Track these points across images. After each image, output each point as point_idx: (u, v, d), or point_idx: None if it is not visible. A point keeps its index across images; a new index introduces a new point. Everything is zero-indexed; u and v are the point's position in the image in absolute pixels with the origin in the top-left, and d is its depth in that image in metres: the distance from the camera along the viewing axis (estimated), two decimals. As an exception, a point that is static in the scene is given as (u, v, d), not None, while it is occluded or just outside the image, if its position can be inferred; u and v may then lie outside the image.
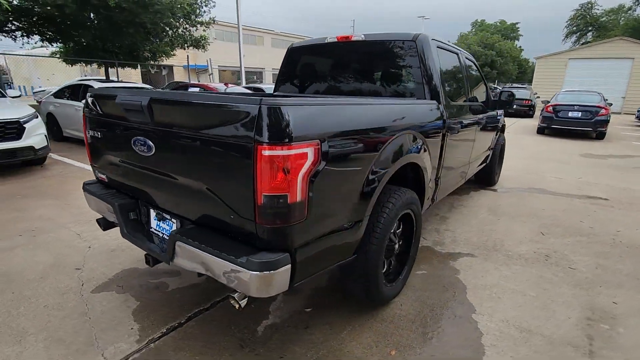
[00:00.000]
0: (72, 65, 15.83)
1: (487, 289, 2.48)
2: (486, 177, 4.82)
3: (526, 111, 16.24)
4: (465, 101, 3.33)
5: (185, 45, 12.17)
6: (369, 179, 1.77)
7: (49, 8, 8.38)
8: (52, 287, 2.40)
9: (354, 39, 2.98)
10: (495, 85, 31.77)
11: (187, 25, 11.53)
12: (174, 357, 1.81)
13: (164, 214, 1.89)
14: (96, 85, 7.70)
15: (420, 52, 2.64)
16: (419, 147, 2.27)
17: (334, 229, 1.65)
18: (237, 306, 1.53)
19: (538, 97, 18.29)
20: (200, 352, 1.85)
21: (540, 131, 10.96)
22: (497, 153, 4.72)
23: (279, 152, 1.32)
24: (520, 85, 24.39)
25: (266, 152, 1.31)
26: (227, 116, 1.40)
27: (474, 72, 3.81)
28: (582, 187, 5.06)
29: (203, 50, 12.83)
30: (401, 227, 2.34)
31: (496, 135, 4.54)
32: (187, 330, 2.01)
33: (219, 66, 33.32)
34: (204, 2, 11.42)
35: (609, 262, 2.90)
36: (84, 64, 16.60)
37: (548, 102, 11.16)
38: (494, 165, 4.73)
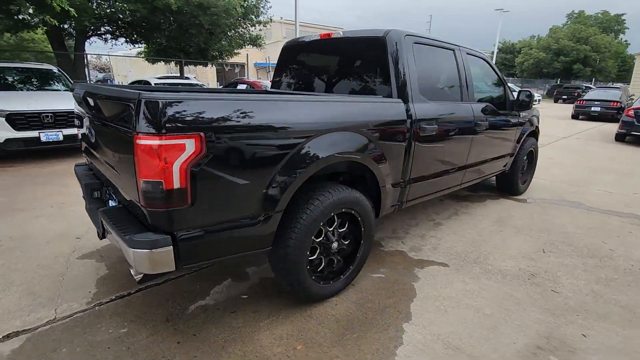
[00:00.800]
0: (153, 64, 17.86)
1: (438, 300, 2.33)
2: (507, 185, 4.41)
3: (613, 115, 14.16)
4: (462, 101, 3.11)
5: (245, 44, 12.94)
6: (276, 176, 1.80)
7: (128, 13, 9.59)
8: (51, 251, 2.85)
9: (333, 36, 2.98)
10: (590, 85, 27.96)
11: (247, 25, 12.26)
12: (107, 321, 2.05)
13: (111, 194, 2.14)
14: (153, 82, 8.62)
15: (388, 49, 2.55)
16: (364, 147, 2.22)
17: (232, 219, 1.73)
18: (136, 279, 1.70)
19: (632, 98, 15.77)
20: (131, 320, 2.07)
21: (620, 138, 9.50)
22: (522, 159, 4.27)
23: (154, 142, 1.44)
24: (610, 86, 21.24)
25: (141, 142, 1.44)
26: (119, 108, 1.57)
27: (480, 71, 3.52)
28: (632, 204, 4.34)
29: (260, 48, 13.51)
30: (346, 226, 2.31)
31: (519, 139, 4.11)
32: (132, 300, 2.25)
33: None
34: (260, 3, 12.02)
35: (607, 290, 2.50)
36: (164, 62, 18.59)
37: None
38: (517, 172, 4.29)
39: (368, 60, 2.74)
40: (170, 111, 1.46)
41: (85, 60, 11.93)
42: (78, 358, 1.77)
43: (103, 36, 12.39)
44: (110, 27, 12.06)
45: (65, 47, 11.73)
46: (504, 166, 4.11)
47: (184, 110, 1.50)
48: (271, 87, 3.64)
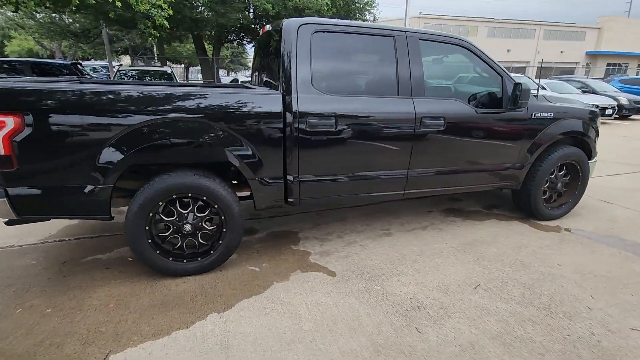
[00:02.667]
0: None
1: (274, 303, 2.20)
2: (524, 205, 3.49)
3: None
4: (400, 96, 2.70)
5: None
6: (104, 154, 2.09)
7: (241, 21, 11.20)
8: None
9: (266, 29, 3.02)
10: None
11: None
12: (33, 250, 2.75)
13: None
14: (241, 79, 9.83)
15: (282, 40, 2.48)
16: (216, 135, 2.27)
17: (60, 185, 2.11)
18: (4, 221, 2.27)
19: None
20: (37, 258, 2.71)
21: None
22: (545, 174, 3.29)
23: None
24: None
25: (-23, 117, 1.96)
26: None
27: (452, 60, 2.93)
28: None
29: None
30: (207, 211, 2.42)
31: (534, 147, 3.19)
32: (64, 243, 2.92)
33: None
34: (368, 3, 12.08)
35: (506, 337, 1.85)
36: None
37: None
38: (536, 190, 3.33)
39: (274, 53, 2.70)
40: (-4, 95, 1.93)
41: (216, 63, 14.40)
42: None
43: (233, 42, 14.71)
44: (229, 34, 14.20)
45: (206, 53, 14.39)
46: (507, 181, 3.27)
47: (6, 95, 1.95)
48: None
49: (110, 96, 2.08)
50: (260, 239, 3.09)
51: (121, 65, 21.56)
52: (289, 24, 2.49)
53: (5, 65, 9.84)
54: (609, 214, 3.76)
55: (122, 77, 8.81)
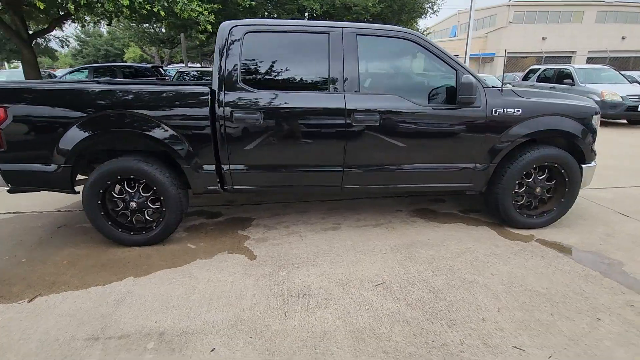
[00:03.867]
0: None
1: (186, 276, 2.49)
2: (493, 210, 3.20)
3: None
4: (330, 91, 2.75)
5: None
6: (64, 139, 2.62)
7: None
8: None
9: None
10: None
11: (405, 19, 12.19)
12: (46, 217, 3.49)
13: None
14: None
15: (217, 40, 2.74)
16: (155, 125, 2.64)
17: (35, 163, 2.69)
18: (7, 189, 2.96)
19: None
20: (44, 223, 3.42)
21: None
22: (516, 176, 2.98)
23: None
24: None
25: (-21, 110, 2.63)
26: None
27: (397, 55, 2.86)
28: None
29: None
30: (150, 192, 2.82)
31: (497, 148, 2.91)
32: (69, 213, 3.62)
33: (509, 53, 30.35)
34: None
35: (365, 333, 1.86)
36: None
37: None
38: (503, 195, 3.03)
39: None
40: (-11, 93, 2.57)
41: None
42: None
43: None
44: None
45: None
46: (465, 183, 3.04)
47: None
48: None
49: (67, 94, 2.60)
50: (217, 222, 3.41)
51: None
52: (223, 26, 2.74)
53: (102, 70, 11.87)
54: (613, 228, 3.21)
55: (182, 77, 9.99)
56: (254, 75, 2.74)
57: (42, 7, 6.42)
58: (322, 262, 2.67)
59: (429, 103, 2.84)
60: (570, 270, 2.55)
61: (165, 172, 2.77)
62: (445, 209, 3.67)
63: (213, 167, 2.81)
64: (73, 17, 7.16)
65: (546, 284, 2.38)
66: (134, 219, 2.89)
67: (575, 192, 3.12)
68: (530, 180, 3.09)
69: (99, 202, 2.77)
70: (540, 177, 3.09)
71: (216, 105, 2.67)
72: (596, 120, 3.08)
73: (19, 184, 2.81)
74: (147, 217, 2.89)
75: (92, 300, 2.22)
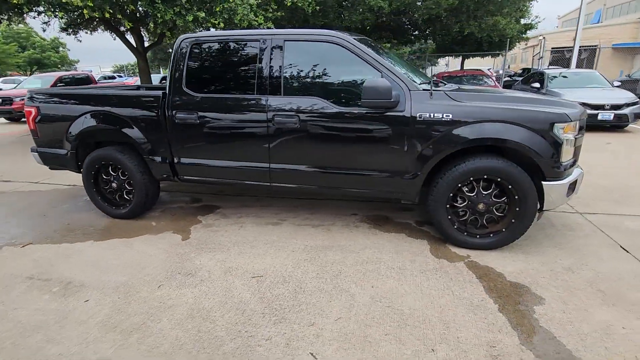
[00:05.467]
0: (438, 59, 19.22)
1: (126, 245, 3.07)
2: (432, 222, 2.93)
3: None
4: (258, 94, 2.97)
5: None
6: (70, 130, 3.48)
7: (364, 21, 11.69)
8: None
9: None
10: None
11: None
12: (69, 189, 4.57)
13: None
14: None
15: (174, 51, 3.24)
16: (118, 120, 3.30)
17: (56, 148, 3.64)
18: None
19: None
20: (64, 193, 4.47)
21: None
22: (447, 187, 2.71)
23: (28, 109, 3.64)
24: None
25: (25, 109, 3.69)
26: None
27: (325, 58, 2.89)
28: None
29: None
30: (126, 177, 3.52)
31: (425, 154, 2.69)
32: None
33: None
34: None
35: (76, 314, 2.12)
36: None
37: None
38: (436, 207, 2.78)
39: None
40: (29, 96, 3.60)
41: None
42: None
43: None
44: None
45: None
46: (394, 191, 2.88)
47: (34, 97, 3.59)
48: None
49: (71, 97, 3.47)
50: (192, 207, 3.95)
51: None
52: (178, 39, 3.21)
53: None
54: (587, 264, 2.61)
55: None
56: (195, 81, 3.15)
57: (154, 30, 8.01)
58: (233, 250, 2.94)
59: (350, 106, 2.80)
60: (466, 297, 2.25)
61: (133, 161, 3.41)
62: (403, 218, 3.47)
63: (165, 158, 3.33)
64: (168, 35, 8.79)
65: (420, 305, 2.18)
66: (116, 196, 3.63)
67: (528, 213, 2.64)
68: (473, 194, 2.74)
69: (92, 180, 3.58)
70: (486, 193, 2.72)
71: (165, 107, 3.17)
72: (560, 129, 2.54)
73: (50, 164, 3.82)
74: (125, 197, 3.60)
75: (54, 253, 2.97)
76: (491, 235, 2.79)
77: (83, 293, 2.40)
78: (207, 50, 3.15)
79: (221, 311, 2.18)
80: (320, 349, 1.86)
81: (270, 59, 2.95)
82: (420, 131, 2.68)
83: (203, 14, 7.24)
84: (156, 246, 3.05)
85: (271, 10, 8.64)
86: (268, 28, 8.63)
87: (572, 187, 2.75)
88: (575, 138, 2.65)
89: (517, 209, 2.66)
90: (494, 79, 8.98)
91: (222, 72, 3.15)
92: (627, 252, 2.76)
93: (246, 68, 3.06)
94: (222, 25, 7.42)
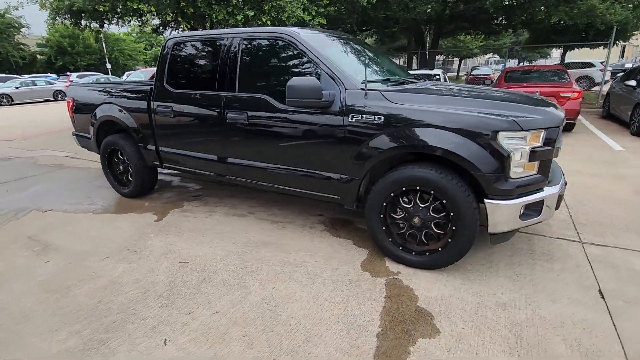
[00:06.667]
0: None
1: (112, 220, 3.56)
2: (371, 231, 2.75)
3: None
4: (218, 90, 3.12)
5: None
6: (92, 118, 4.14)
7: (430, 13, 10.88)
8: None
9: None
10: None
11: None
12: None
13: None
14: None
15: (161, 49, 3.59)
16: (120, 110, 3.79)
17: (85, 133, 4.34)
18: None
19: None
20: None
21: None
22: (382, 196, 2.50)
23: (68, 100, 4.42)
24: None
25: (66, 99, 4.47)
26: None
27: (278, 56, 2.90)
28: None
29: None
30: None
31: (361, 157, 2.52)
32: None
33: None
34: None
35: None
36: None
37: None
38: (370, 216, 2.59)
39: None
40: (70, 88, 4.36)
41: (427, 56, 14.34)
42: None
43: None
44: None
45: (425, 46, 14.79)
46: (333, 193, 2.76)
47: (72, 89, 4.34)
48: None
49: (93, 89, 4.09)
50: (190, 194, 4.32)
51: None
52: (167, 39, 3.53)
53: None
54: (531, 301, 2.16)
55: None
56: (173, 77, 3.43)
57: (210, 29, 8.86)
58: (185, 236, 3.17)
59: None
60: (355, 315, 2.09)
61: (132, 147, 3.89)
62: (364, 224, 3.28)
63: (153, 147, 3.72)
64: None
65: (301, 314, 2.11)
66: (124, 177, 4.19)
67: (465, 233, 2.29)
68: (410, 206, 2.48)
69: (106, 163, 4.20)
70: (423, 206, 2.43)
71: (151, 100, 3.55)
72: (508, 139, 2.12)
73: (84, 146, 4.58)
74: (129, 178, 4.13)
75: (59, 219, 3.60)
76: (427, 253, 2.49)
77: (50, 255, 2.89)
78: (184, 49, 3.41)
79: (130, 288, 2.42)
80: (176, 337, 1.96)
81: (229, 57, 3.07)
82: (352, 133, 2.52)
83: (252, 13, 7.65)
84: (132, 224, 3.46)
85: (322, 5, 8.68)
86: (319, 24, 8.71)
87: (535, 208, 2.29)
88: (536, 151, 2.19)
89: (454, 227, 2.33)
90: (570, 75, 7.50)
91: (193, 70, 3.39)
92: (602, 298, 2.20)
93: (211, 66, 3.24)
94: (269, 23, 7.74)
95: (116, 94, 3.88)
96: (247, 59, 3.01)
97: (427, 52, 14.57)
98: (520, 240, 2.93)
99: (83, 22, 8.38)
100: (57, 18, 8.28)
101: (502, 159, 2.15)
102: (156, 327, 2.05)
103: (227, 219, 3.51)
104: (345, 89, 2.55)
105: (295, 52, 2.81)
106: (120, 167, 4.13)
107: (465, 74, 25.61)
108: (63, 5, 7.91)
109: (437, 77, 8.99)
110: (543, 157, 2.25)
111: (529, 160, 2.20)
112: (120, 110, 3.81)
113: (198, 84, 3.33)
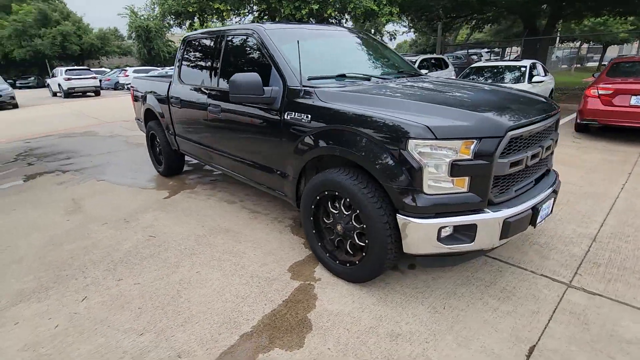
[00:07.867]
0: None
1: (123, 192, 4.20)
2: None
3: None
4: (212, 83, 3.38)
5: None
6: (141, 108, 4.89)
7: None
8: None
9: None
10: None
11: None
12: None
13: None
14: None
15: (179, 46, 4.02)
16: (154, 100, 4.39)
17: (140, 119, 5.15)
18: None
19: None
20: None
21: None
22: (306, 198, 2.42)
23: (131, 89, 5.29)
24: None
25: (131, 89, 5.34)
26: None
27: (250, 49, 2.99)
28: None
29: None
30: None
31: (294, 155, 2.46)
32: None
33: None
34: None
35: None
36: None
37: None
38: (303, 218, 2.52)
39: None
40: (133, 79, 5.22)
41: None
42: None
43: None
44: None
45: (537, 33, 12.81)
46: (278, 189, 2.75)
47: (133, 80, 5.17)
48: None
49: (141, 82, 4.82)
50: (210, 178, 4.76)
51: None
52: (184, 37, 3.94)
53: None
54: (451, 320, 1.83)
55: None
56: (183, 72, 3.82)
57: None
58: (174, 214, 3.56)
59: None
60: (243, 312, 2.11)
61: (162, 133, 4.48)
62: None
63: (172, 133, 4.22)
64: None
65: (196, 301, 2.22)
66: (160, 158, 4.85)
67: (375, 249, 2.04)
68: (337, 212, 2.33)
69: (149, 144, 4.93)
70: (347, 213, 2.26)
71: (168, 92, 4.02)
72: (420, 147, 1.80)
73: (142, 129, 5.43)
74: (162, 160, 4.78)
75: (102, 189, 4.41)
76: (348, 264, 2.31)
77: (74, 216, 3.60)
78: (193, 45, 3.76)
79: (99, 250, 2.88)
80: (94, 297, 2.29)
81: (216, 52, 3.28)
82: (287, 130, 2.47)
83: (317, 6, 7.77)
84: (147, 198, 4.03)
85: (392, -7, 8.26)
86: (389, 13, 8.34)
87: (465, 232, 1.92)
88: (459, 164, 1.82)
89: (367, 240, 2.11)
90: None
91: (195, 65, 3.70)
92: (527, 358, 1.72)
93: (206, 60, 3.50)
94: (333, 15, 7.75)
95: (148, 87, 4.50)
96: (226, 55, 3.18)
97: (539, 39, 12.50)
98: (489, 267, 2.46)
99: (183, 22, 9.82)
100: (164, 19, 9.83)
101: (412, 170, 1.85)
102: (88, 286, 2.43)
103: (218, 204, 3.80)
104: (287, 86, 2.50)
105: (259, 48, 2.85)
106: (158, 149, 4.80)
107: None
108: (167, 6, 9.31)
109: (523, 68, 7.64)
110: (473, 173, 1.85)
111: (452, 175, 1.85)
112: (155, 100, 4.41)
113: (197, 78, 3.64)
